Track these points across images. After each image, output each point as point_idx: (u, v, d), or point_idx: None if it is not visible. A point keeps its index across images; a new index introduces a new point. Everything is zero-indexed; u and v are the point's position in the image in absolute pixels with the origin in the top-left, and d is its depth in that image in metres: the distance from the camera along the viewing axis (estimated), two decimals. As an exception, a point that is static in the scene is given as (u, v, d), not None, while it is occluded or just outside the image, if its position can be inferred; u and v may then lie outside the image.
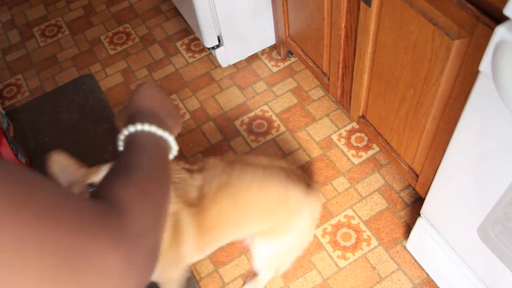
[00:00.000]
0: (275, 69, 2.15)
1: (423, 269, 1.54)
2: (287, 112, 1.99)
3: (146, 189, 0.53)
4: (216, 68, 2.20)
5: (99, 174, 0.89)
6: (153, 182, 0.55)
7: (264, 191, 1.13)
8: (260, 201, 1.13)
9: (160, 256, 0.53)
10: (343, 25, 1.48)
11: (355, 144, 1.86)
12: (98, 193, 0.49)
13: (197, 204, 1.06)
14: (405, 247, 1.60)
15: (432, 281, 1.51)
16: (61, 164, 0.87)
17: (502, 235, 1.03)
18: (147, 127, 0.61)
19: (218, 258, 1.64)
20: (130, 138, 0.61)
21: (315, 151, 1.86)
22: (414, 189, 1.64)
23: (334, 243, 1.64)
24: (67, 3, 2.62)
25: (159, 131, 0.62)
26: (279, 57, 2.18)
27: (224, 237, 1.22)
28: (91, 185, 0.91)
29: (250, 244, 1.30)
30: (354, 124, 1.91)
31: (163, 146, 0.63)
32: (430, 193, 1.29)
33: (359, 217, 1.68)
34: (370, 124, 1.62)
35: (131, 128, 0.61)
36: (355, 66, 1.51)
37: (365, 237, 1.64)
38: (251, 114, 2.01)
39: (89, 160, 1.94)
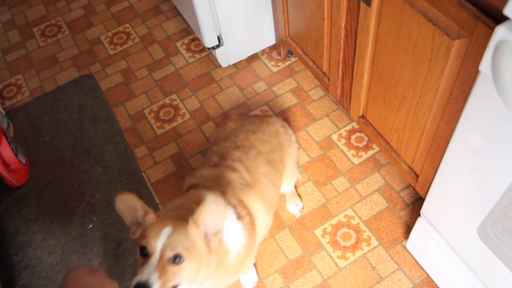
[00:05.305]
0: (275, 69, 2.15)
1: (423, 269, 1.54)
2: (287, 112, 1.99)
3: None
4: (216, 68, 2.20)
5: (154, 216, 0.98)
6: None
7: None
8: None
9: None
10: (343, 25, 1.48)
11: (355, 144, 1.86)
12: None
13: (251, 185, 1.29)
14: (405, 247, 1.60)
15: (432, 281, 1.51)
16: (127, 204, 0.96)
17: (502, 235, 1.03)
18: None
19: (218, 258, 1.64)
20: None
21: (315, 151, 1.86)
22: (414, 189, 1.64)
23: (334, 243, 1.64)
24: (67, 3, 2.62)
25: None
26: (279, 57, 2.18)
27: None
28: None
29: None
30: (354, 124, 1.91)
31: None
32: (430, 193, 1.29)
33: (359, 217, 1.68)
34: (370, 124, 1.62)
35: None
36: (355, 66, 1.51)
37: (365, 237, 1.64)
38: (251, 114, 2.01)
39: (89, 160, 1.95)
